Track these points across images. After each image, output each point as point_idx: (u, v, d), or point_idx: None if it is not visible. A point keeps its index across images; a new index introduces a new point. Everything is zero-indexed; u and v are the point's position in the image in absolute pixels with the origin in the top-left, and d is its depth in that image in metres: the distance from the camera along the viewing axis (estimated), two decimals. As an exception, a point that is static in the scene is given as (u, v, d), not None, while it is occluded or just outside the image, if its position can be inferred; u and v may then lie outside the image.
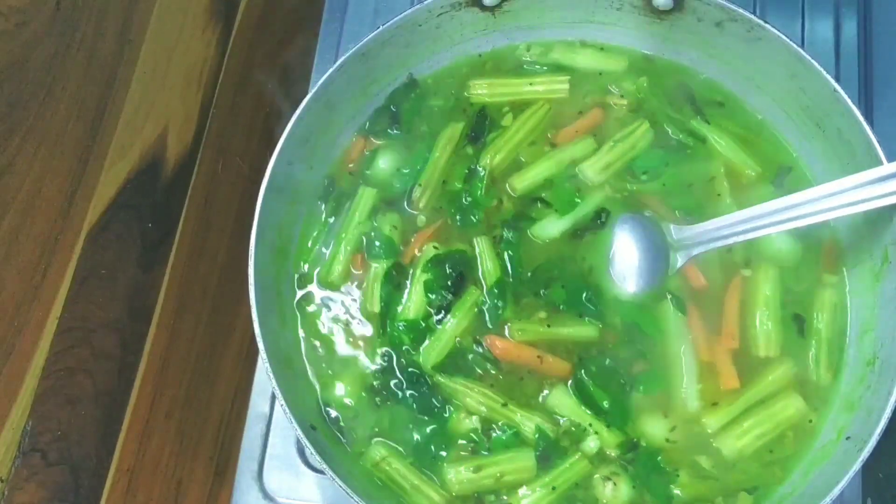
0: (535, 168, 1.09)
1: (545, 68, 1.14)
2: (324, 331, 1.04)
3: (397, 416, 1.00)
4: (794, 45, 1.02)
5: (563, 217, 1.06)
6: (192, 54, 1.43)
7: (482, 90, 1.13)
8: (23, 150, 1.34)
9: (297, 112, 1.01)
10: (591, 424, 0.98)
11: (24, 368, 1.24)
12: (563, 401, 0.99)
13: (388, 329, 1.03)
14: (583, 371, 1.00)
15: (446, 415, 0.99)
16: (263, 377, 1.12)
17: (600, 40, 1.14)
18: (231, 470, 1.12)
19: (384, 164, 1.10)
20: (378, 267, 1.05)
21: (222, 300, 1.30)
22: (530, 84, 1.12)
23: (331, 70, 1.03)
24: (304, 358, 1.03)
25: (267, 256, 1.01)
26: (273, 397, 1.10)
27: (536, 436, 0.97)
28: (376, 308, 1.04)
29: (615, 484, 0.96)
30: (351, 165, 1.10)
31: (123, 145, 1.36)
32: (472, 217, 1.07)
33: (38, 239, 1.30)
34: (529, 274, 1.04)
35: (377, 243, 1.06)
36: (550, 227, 1.06)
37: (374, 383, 1.01)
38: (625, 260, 1.04)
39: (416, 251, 1.05)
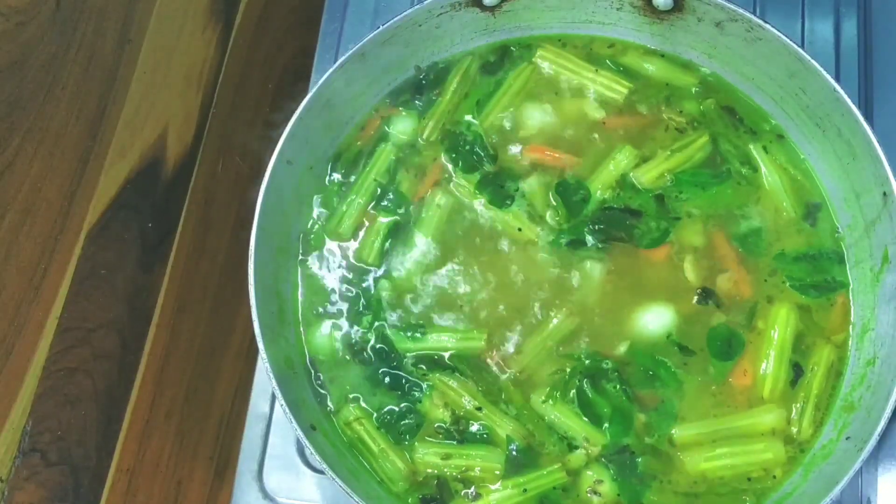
0: None
1: (612, 66, 1.13)
2: (317, 272, 1.06)
3: (367, 378, 1.02)
4: (794, 45, 1.02)
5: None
6: (192, 54, 1.43)
7: (549, 55, 1.13)
8: (23, 150, 1.34)
9: (297, 112, 1.01)
10: (586, 439, 0.98)
11: (24, 368, 1.24)
12: (558, 409, 0.99)
13: (376, 287, 1.04)
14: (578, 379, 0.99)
15: (417, 394, 1.00)
16: (263, 377, 1.12)
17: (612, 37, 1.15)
18: (231, 470, 1.12)
19: (403, 126, 1.11)
20: (383, 221, 1.06)
21: (222, 300, 1.30)
22: (595, 72, 1.12)
23: (331, 70, 1.03)
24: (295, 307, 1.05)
25: (267, 256, 1.01)
26: (273, 397, 1.10)
27: (509, 447, 0.98)
28: (371, 260, 1.05)
29: (600, 495, 0.96)
30: (370, 132, 1.12)
31: (123, 145, 1.36)
32: (473, 164, 1.08)
33: (38, 239, 1.30)
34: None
35: (390, 195, 1.07)
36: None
37: (352, 339, 1.03)
38: None
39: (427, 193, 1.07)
